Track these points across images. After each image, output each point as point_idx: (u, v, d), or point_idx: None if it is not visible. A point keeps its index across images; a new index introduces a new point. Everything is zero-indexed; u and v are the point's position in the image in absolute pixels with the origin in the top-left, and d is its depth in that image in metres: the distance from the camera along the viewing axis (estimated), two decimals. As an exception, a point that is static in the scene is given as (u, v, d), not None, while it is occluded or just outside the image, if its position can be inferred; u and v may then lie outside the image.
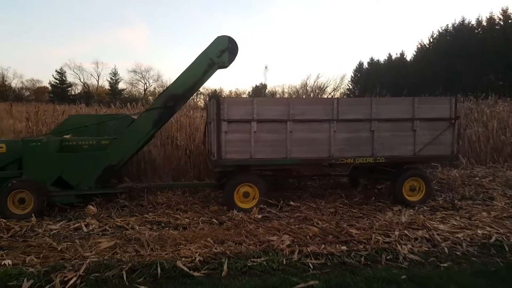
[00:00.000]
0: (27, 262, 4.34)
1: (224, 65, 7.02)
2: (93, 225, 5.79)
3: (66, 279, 3.84)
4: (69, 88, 51.81)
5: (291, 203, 6.85)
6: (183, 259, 4.32)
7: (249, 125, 6.31)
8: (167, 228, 5.63)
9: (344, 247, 4.69)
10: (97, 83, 58.96)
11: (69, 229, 5.68)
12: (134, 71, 58.55)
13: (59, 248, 4.72)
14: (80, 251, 4.62)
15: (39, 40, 75.85)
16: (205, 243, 4.78)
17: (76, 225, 5.83)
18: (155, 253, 4.54)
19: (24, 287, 3.71)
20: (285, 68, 79.36)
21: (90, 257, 4.43)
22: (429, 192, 6.98)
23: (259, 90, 46.54)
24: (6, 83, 47.23)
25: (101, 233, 5.51)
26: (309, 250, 4.55)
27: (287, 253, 4.51)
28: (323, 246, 4.72)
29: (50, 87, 50.01)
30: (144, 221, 5.99)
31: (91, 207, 6.66)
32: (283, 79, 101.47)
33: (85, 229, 5.66)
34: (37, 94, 46.59)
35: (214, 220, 5.97)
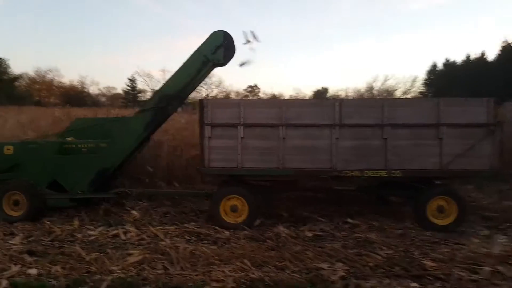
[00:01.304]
0: (52, 272, 4.05)
1: (220, 62, 6.44)
2: (131, 233, 5.45)
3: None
4: (139, 94, 54.95)
5: (349, 220, 5.90)
6: (214, 283, 3.69)
7: (236, 130, 5.62)
8: (205, 242, 5.07)
9: (415, 284, 3.71)
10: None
11: (107, 236, 5.41)
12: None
13: (87, 259, 4.38)
14: (107, 264, 4.23)
15: (114, 50, 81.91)
16: (241, 265, 4.10)
17: (114, 231, 5.54)
18: (185, 273, 3.97)
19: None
20: (349, 70, 76.17)
21: (115, 272, 4.04)
22: (462, 215, 5.57)
23: (321, 94, 45.09)
24: (85, 89, 51.36)
25: (137, 243, 5.12)
26: (368, 286, 3.64)
27: (340, 287, 3.65)
28: (387, 281, 3.77)
29: (123, 93, 53.40)
30: (183, 231, 5.51)
31: (134, 212, 6.43)
32: (347, 82, 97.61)
33: (122, 237, 5.35)
34: (112, 99, 50.07)
35: (257, 235, 5.26)
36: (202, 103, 5.74)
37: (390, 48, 73.34)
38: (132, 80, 55.27)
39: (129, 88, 54.85)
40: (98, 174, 6.36)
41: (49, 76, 48.39)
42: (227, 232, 5.38)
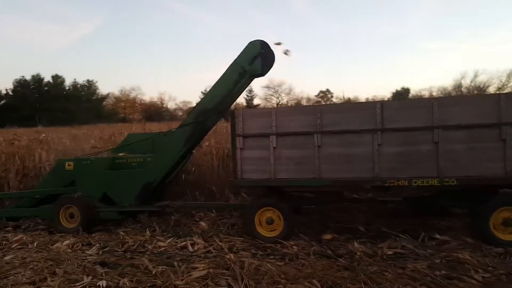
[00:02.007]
0: (120, 285, 4.06)
1: (258, 73, 6.15)
2: (199, 245, 5.38)
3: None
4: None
5: (437, 236, 5.14)
6: (279, 306, 3.35)
7: (268, 139, 5.33)
8: (271, 257, 4.76)
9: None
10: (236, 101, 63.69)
11: (175, 247, 5.40)
12: (267, 87, 61.05)
13: (153, 272, 4.33)
14: (172, 278, 4.13)
15: (189, 66, 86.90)
16: (309, 285, 3.69)
17: (182, 243, 5.51)
18: (248, 292, 3.70)
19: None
20: (432, 67, 70.56)
21: (179, 287, 3.93)
22: None
23: (400, 95, 42.28)
24: (164, 105, 54.99)
25: (203, 255, 5.01)
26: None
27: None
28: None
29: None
30: (249, 244, 5.29)
31: (202, 223, 6.40)
32: (430, 80, 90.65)
33: (190, 249, 5.30)
34: (188, 113, 52.96)
35: (329, 252, 4.81)
36: (233, 114, 5.59)
37: (480, 42, 66.91)
38: (205, 92, 57.91)
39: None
40: (143, 187, 6.50)
41: (132, 94, 52.82)
42: (295, 247, 5.00)
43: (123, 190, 6.54)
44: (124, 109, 51.15)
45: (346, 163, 5.13)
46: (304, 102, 47.23)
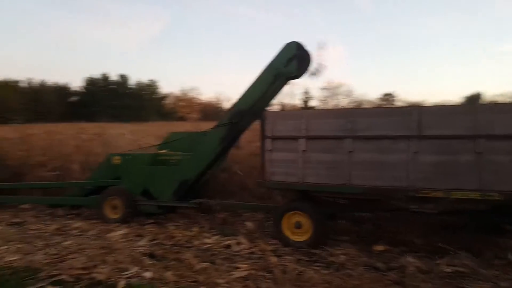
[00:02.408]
0: (163, 277, 4.14)
1: (293, 75, 6.04)
2: (243, 245, 5.35)
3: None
4: (267, 108, 57.49)
5: (510, 256, 4.59)
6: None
7: (297, 142, 5.20)
8: (316, 264, 4.58)
9: None
10: (290, 102, 63.14)
11: (220, 245, 5.41)
12: (325, 89, 59.61)
13: (195, 268, 4.37)
14: (214, 275, 4.13)
15: (244, 66, 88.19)
16: (354, 298, 3.48)
17: (227, 242, 5.50)
18: (289, 298, 3.57)
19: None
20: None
21: (220, 285, 3.93)
22: None
23: (472, 100, 39.16)
24: (219, 105, 56.24)
25: (246, 256, 4.97)
26: None
27: None
28: None
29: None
30: (295, 249, 5.13)
31: (248, 223, 6.36)
32: (507, 85, 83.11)
33: (234, 248, 5.28)
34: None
35: (379, 264, 4.52)
36: (263, 116, 5.50)
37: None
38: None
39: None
40: (180, 184, 6.64)
41: (191, 94, 54.68)
42: (343, 256, 4.77)
43: (161, 186, 6.77)
44: (182, 108, 53.15)
45: (378, 170, 4.86)
46: (365, 105, 45.53)
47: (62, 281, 4.06)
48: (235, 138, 6.83)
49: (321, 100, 59.72)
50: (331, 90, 59.92)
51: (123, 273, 4.21)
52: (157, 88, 74.54)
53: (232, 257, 4.89)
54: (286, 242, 5.31)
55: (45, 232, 6.15)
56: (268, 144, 5.48)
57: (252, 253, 5.07)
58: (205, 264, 4.49)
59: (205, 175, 7.06)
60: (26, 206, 7.91)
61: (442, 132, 4.56)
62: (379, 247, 5.09)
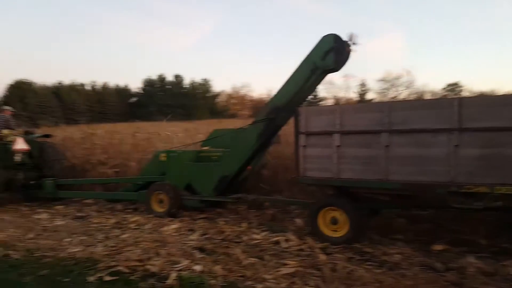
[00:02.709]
0: (212, 271, 4.22)
1: (330, 68, 5.84)
2: (292, 242, 5.29)
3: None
4: (321, 102, 56.47)
5: None
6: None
7: (331, 138, 5.10)
8: (369, 263, 4.39)
9: None
10: (345, 96, 61.28)
11: (269, 242, 5.39)
12: (383, 80, 56.77)
13: (243, 263, 4.40)
14: (261, 271, 4.14)
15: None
16: (408, 300, 3.28)
17: (276, 238, 5.47)
18: (337, 297, 3.46)
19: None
20: None
21: (267, 281, 3.91)
22: None
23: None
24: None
25: (295, 253, 4.90)
26: None
27: None
28: None
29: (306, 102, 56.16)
30: (345, 247, 4.98)
31: (298, 220, 6.29)
32: None
33: (283, 245, 5.23)
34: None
35: (438, 264, 4.23)
36: (297, 112, 5.41)
37: None
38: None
39: (311, 96, 57.34)
40: (220, 180, 6.75)
41: (243, 91, 55.27)
42: (398, 256, 4.55)
43: (203, 181, 6.98)
44: (234, 105, 53.96)
45: (417, 165, 4.61)
46: (427, 96, 42.86)
47: (119, 272, 4.28)
48: (272, 134, 6.82)
49: (379, 93, 57.07)
50: (390, 81, 57.04)
51: (175, 266, 4.35)
52: (210, 86, 76.68)
53: (280, 254, 4.86)
54: (322, 238, 5.27)
55: (106, 226, 6.55)
56: (302, 140, 5.44)
57: (300, 250, 5.00)
58: (253, 260, 4.51)
59: (244, 171, 7.14)
60: (89, 201, 8.51)
61: (486, 124, 4.23)
62: (438, 247, 4.79)
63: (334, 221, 5.29)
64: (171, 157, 7.35)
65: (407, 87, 54.28)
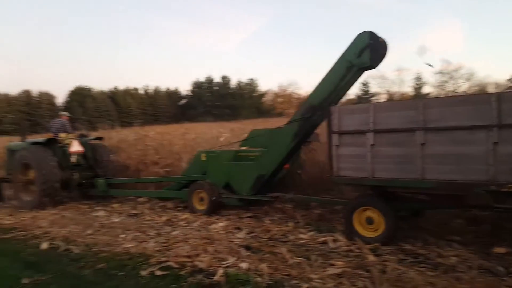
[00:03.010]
0: (258, 269, 4.26)
1: (366, 66, 5.70)
2: (340, 242, 5.18)
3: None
4: (373, 98, 54.76)
5: None
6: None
7: (365, 136, 4.99)
8: (422, 266, 4.18)
9: None
10: (399, 90, 58.58)
11: (316, 242, 5.33)
12: (441, 73, 53.40)
13: (289, 262, 4.38)
14: (307, 270, 4.09)
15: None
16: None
17: (323, 238, 5.39)
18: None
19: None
20: None
21: (314, 280, 3.87)
22: None
23: None
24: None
25: (343, 253, 4.79)
26: None
27: None
28: None
29: (356, 98, 54.60)
30: (397, 249, 4.79)
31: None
32: None
33: (330, 245, 5.15)
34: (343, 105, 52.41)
35: (499, 268, 3.92)
36: (329, 111, 5.28)
37: None
38: (365, 84, 55.86)
39: (362, 91, 55.79)
40: (256, 179, 6.78)
41: (289, 89, 54.91)
42: (454, 258, 4.29)
43: (240, 180, 7.07)
44: (281, 104, 53.89)
45: (453, 164, 4.39)
46: (490, 89, 39.84)
47: (169, 267, 4.46)
48: (308, 133, 6.75)
49: (437, 86, 53.59)
50: (448, 73, 53.40)
51: (222, 263, 4.45)
52: (256, 86, 77.23)
53: (328, 254, 4.78)
54: (356, 237, 5.17)
55: (157, 223, 6.84)
56: (335, 139, 5.35)
57: (349, 250, 4.88)
58: (299, 259, 4.48)
59: (281, 170, 7.14)
60: (142, 199, 8.93)
61: None
62: (500, 249, 4.46)
63: (370, 221, 5.17)
64: (211, 157, 7.54)
65: (467, 80, 50.67)
